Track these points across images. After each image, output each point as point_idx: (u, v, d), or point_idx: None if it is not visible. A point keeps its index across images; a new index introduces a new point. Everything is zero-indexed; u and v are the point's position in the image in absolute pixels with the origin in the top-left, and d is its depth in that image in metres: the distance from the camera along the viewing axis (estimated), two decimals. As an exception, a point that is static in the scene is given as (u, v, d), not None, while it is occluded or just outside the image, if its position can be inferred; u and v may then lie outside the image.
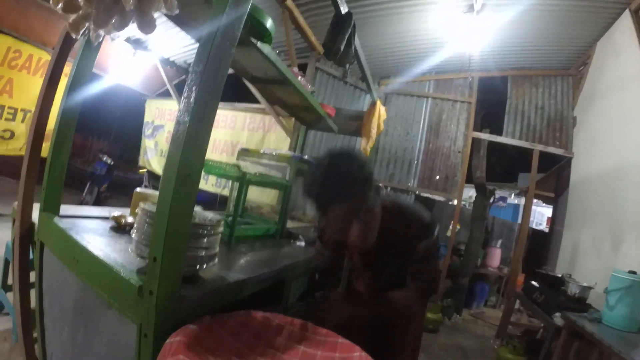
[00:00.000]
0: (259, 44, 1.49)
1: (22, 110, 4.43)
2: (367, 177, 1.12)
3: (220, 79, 0.87)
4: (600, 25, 4.43)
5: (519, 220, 7.46)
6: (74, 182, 7.39)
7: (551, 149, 5.16)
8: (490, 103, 5.97)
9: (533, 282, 3.62)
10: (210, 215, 1.10)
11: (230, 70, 2.03)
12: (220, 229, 1.13)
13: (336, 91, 5.50)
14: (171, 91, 6.60)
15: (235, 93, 5.56)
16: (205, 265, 1.06)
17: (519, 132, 5.36)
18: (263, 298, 1.42)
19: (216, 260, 1.12)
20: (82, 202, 6.33)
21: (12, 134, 4.42)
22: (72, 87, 1.40)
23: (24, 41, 4.24)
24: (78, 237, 1.16)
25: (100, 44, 1.36)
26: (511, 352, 3.38)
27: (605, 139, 4.15)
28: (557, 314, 2.83)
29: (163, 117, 7.10)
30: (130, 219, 1.46)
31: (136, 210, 1.08)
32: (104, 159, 6.96)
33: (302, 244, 2.19)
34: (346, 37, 1.84)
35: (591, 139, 4.55)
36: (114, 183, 7.33)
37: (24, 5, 4.05)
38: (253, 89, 3.70)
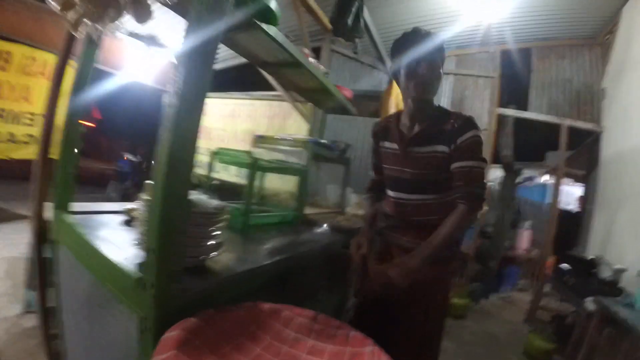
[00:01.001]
0: (264, 25, 1.43)
1: (41, 114, 4.52)
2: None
3: (210, 57, 0.81)
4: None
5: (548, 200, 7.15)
6: (102, 182, 7.58)
7: (580, 124, 4.88)
8: (515, 78, 5.70)
9: (564, 265, 3.45)
10: (214, 203, 1.06)
11: (244, 60, 1.99)
12: (226, 216, 1.08)
13: (353, 73, 5.37)
14: (188, 85, 6.62)
15: (253, 83, 5.54)
16: (210, 255, 1.02)
17: (546, 106, 5.10)
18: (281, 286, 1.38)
19: (223, 249, 1.08)
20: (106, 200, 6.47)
21: (33, 138, 4.53)
22: (77, 84, 1.40)
23: (39, 48, 4.32)
24: (86, 232, 1.16)
25: (100, 39, 1.36)
26: (541, 338, 3.25)
27: (637, 112, 3.86)
28: (589, 299, 2.67)
29: (183, 112, 7.13)
30: (142, 212, 1.44)
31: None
32: (128, 156, 7.08)
33: (321, 230, 2.13)
34: (353, 10, 1.75)
35: (622, 112, 4.23)
36: (144, 180, 7.44)
37: (37, 14, 4.15)
38: (268, 76, 3.63)
